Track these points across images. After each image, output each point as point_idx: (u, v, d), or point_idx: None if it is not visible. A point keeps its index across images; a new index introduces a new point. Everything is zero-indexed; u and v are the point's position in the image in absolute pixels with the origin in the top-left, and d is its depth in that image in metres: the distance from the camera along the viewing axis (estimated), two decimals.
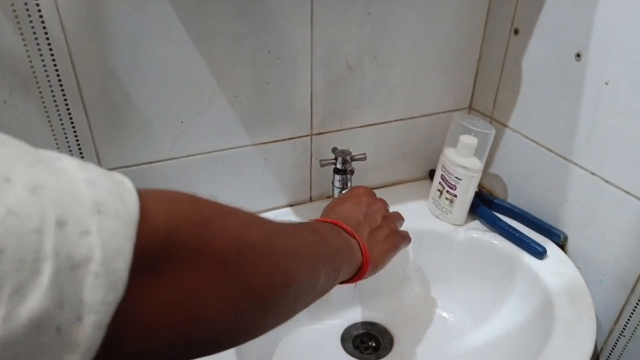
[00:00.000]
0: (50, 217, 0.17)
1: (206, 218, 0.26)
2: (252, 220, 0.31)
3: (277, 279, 0.30)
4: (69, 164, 0.20)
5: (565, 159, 0.63)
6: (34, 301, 0.17)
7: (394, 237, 0.53)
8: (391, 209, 0.73)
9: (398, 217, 0.58)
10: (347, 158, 0.65)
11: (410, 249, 0.71)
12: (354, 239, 0.46)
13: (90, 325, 0.18)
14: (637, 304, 0.57)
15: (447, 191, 0.68)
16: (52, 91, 0.52)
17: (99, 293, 0.19)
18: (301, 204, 0.74)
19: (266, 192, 0.70)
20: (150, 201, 0.22)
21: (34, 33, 0.48)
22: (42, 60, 0.50)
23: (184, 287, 0.23)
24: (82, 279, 0.18)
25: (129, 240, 0.20)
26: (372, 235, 0.49)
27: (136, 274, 0.20)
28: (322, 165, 0.66)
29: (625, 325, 0.59)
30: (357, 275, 0.46)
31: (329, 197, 0.75)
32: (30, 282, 0.17)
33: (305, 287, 0.34)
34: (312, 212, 0.72)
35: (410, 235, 0.71)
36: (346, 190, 0.56)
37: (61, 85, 0.52)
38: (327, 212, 0.52)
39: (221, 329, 0.27)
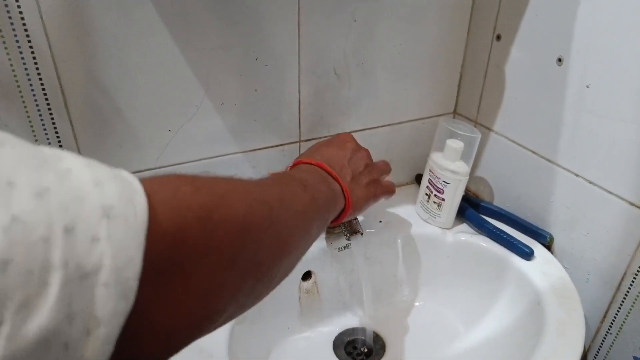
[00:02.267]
0: (58, 223, 0.16)
1: (209, 207, 0.25)
2: (251, 194, 0.30)
3: (280, 250, 0.30)
4: (73, 163, 0.19)
5: (549, 161, 0.64)
6: (42, 316, 0.15)
7: (375, 185, 0.54)
8: (380, 214, 0.74)
9: (383, 167, 0.59)
10: None
11: (400, 252, 0.71)
12: (337, 184, 0.47)
13: (99, 339, 0.17)
14: (623, 301, 0.58)
15: (435, 195, 0.69)
16: (35, 101, 0.51)
17: (110, 304, 0.18)
18: None
19: None
20: (157, 200, 0.21)
21: (17, 41, 0.47)
22: (26, 70, 0.49)
23: (194, 286, 0.23)
24: (92, 290, 0.17)
25: (139, 247, 0.19)
26: (354, 180, 0.50)
27: (146, 281, 0.19)
28: None
29: (612, 323, 0.60)
30: (338, 218, 0.48)
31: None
32: (38, 296, 0.15)
33: (303, 248, 0.36)
34: None
35: (401, 239, 0.72)
36: (331, 136, 0.57)
37: (45, 95, 0.51)
38: (312, 153, 0.53)
39: (230, 311, 0.27)
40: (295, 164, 0.51)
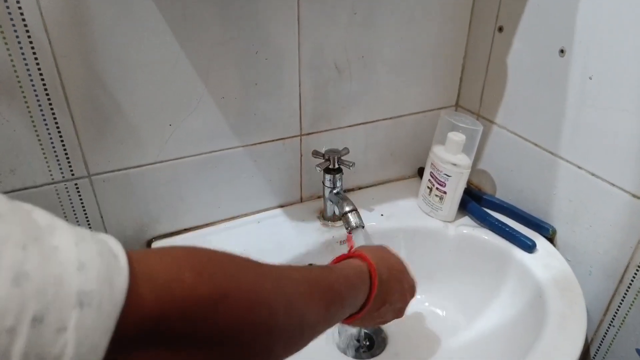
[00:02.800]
0: (28, 313, 0.17)
1: (204, 303, 0.25)
2: (255, 295, 0.29)
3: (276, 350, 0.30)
4: (63, 240, 0.19)
5: (551, 153, 0.64)
6: None
7: (394, 315, 0.51)
8: (382, 207, 0.74)
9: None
10: (337, 158, 0.65)
11: (402, 245, 0.71)
12: (372, 287, 0.44)
13: None
14: (626, 294, 0.58)
15: (437, 188, 0.69)
16: (37, 96, 0.51)
17: None
18: (292, 204, 0.74)
19: (256, 193, 0.70)
20: (143, 282, 0.21)
21: (17, 37, 0.47)
22: (26, 65, 0.49)
23: None
24: None
25: (105, 334, 0.19)
26: (388, 305, 0.47)
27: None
28: (319, 165, 0.65)
29: (615, 316, 0.60)
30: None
31: (319, 197, 0.75)
32: None
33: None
34: (303, 214, 0.72)
35: (402, 233, 0.71)
36: (397, 255, 0.53)
37: (46, 90, 0.51)
38: (378, 254, 0.49)
39: None
40: (355, 254, 0.47)
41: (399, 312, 0.51)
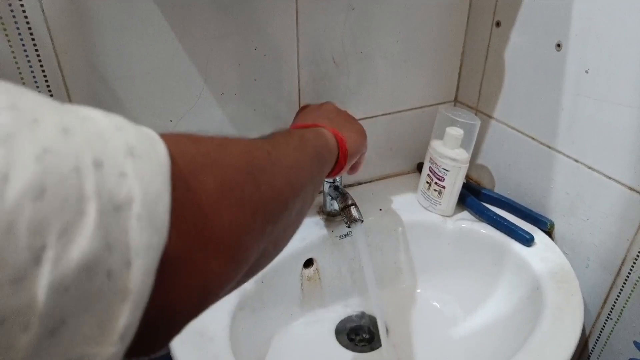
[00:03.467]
0: (87, 157, 0.17)
1: (213, 155, 0.25)
2: (246, 142, 0.31)
3: (287, 190, 0.31)
4: (93, 112, 0.19)
5: (549, 147, 0.64)
6: (83, 242, 0.16)
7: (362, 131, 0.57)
8: (381, 202, 0.74)
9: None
10: None
11: (401, 239, 0.71)
12: (326, 131, 0.47)
13: (140, 269, 0.18)
14: (623, 286, 0.58)
15: (436, 183, 0.69)
16: (39, 91, 0.52)
17: (144, 237, 0.18)
18: None
19: None
20: (169, 149, 0.21)
21: (19, 33, 0.48)
22: (28, 61, 0.50)
23: (219, 229, 0.23)
24: (126, 221, 0.17)
25: (166, 184, 0.19)
26: (345, 128, 0.52)
27: (173, 225, 0.19)
28: None
29: (612, 308, 0.60)
30: (337, 164, 0.48)
31: (319, 191, 0.76)
32: (76, 222, 0.16)
33: (308, 190, 0.36)
34: None
35: (401, 227, 0.72)
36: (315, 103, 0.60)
37: (48, 85, 0.52)
38: (302, 118, 0.56)
39: (253, 258, 0.27)
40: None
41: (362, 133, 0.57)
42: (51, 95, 0.52)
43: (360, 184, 0.80)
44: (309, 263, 0.67)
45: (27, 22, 0.48)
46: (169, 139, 0.22)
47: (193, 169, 0.23)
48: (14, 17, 0.47)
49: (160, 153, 0.20)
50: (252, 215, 0.26)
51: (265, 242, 0.29)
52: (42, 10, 0.48)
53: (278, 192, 0.30)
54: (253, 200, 0.26)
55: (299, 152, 0.38)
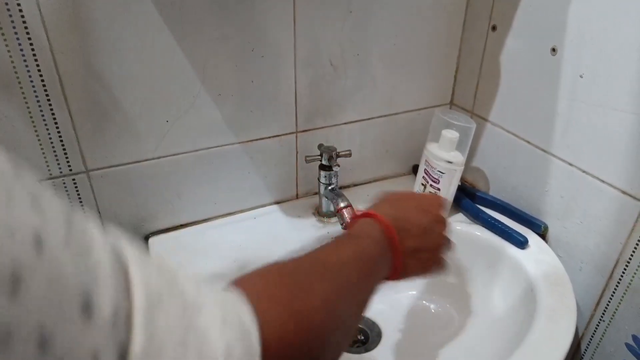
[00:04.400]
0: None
1: (303, 314, 0.29)
2: (330, 296, 0.32)
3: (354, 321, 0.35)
4: (210, 320, 0.23)
5: (544, 151, 0.65)
6: None
7: (433, 262, 0.49)
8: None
9: (449, 244, 0.52)
10: (333, 154, 0.66)
11: None
12: (396, 253, 0.43)
13: None
14: (616, 289, 0.59)
15: (431, 185, 0.70)
16: (35, 92, 0.51)
17: None
18: (288, 201, 0.75)
19: (253, 190, 0.71)
20: (262, 321, 0.26)
21: (16, 33, 0.48)
22: (25, 61, 0.50)
23: None
24: None
25: None
26: (415, 253, 0.45)
27: None
28: (308, 162, 0.67)
29: (605, 310, 0.61)
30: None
31: (315, 193, 0.76)
32: None
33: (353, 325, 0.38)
34: (299, 210, 0.72)
35: None
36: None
37: (44, 85, 0.52)
38: (389, 205, 0.48)
39: None
40: (365, 215, 0.46)
41: (431, 261, 0.48)
42: (47, 96, 0.52)
43: (355, 185, 0.80)
44: None
45: (24, 22, 0.48)
46: (265, 297, 0.28)
47: (283, 335, 0.27)
48: (10, 16, 0.47)
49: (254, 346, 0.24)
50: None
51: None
52: (39, 10, 0.48)
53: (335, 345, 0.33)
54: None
55: (358, 294, 0.38)
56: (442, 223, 0.49)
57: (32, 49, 0.49)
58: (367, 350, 0.65)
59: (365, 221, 0.44)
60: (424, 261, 0.47)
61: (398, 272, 0.44)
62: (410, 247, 0.45)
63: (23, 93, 0.51)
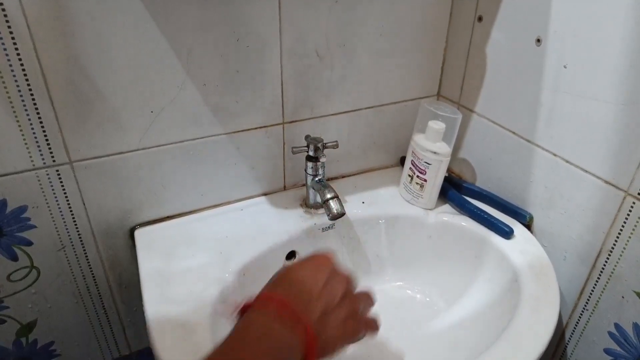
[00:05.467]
0: None
1: None
2: None
3: None
4: None
5: (528, 141, 0.65)
6: None
7: (353, 322, 0.43)
8: (364, 195, 0.75)
9: (365, 298, 0.47)
10: (319, 145, 0.66)
11: (383, 232, 0.72)
12: (300, 326, 0.38)
13: None
14: (599, 278, 0.60)
15: (418, 176, 0.70)
16: (16, 83, 0.51)
17: None
18: (275, 192, 0.75)
19: (240, 181, 0.71)
20: None
21: None
22: (5, 50, 0.49)
23: None
24: None
25: None
26: (325, 317, 0.40)
27: None
28: (294, 153, 0.67)
29: (588, 299, 0.62)
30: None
31: (302, 185, 0.76)
32: None
33: None
34: (286, 201, 0.72)
35: (384, 220, 0.71)
36: (308, 255, 0.47)
37: (26, 77, 0.51)
38: (280, 281, 0.43)
39: None
40: (259, 298, 0.41)
41: (351, 320, 0.43)
42: (29, 86, 0.51)
43: (343, 177, 0.80)
44: (291, 255, 0.68)
45: (3, 10, 0.47)
46: None
47: None
48: None
49: None
50: None
51: None
52: (20, 1, 0.47)
53: None
54: None
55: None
56: (338, 276, 0.44)
57: (13, 38, 0.49)
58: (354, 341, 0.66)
59: (257, 311, 0.39)
60: (343, 322, 0.42)
61: (313, 348, 0.38)
62: (315, 311, 0.40)
63: (4, 83, 0.50)
